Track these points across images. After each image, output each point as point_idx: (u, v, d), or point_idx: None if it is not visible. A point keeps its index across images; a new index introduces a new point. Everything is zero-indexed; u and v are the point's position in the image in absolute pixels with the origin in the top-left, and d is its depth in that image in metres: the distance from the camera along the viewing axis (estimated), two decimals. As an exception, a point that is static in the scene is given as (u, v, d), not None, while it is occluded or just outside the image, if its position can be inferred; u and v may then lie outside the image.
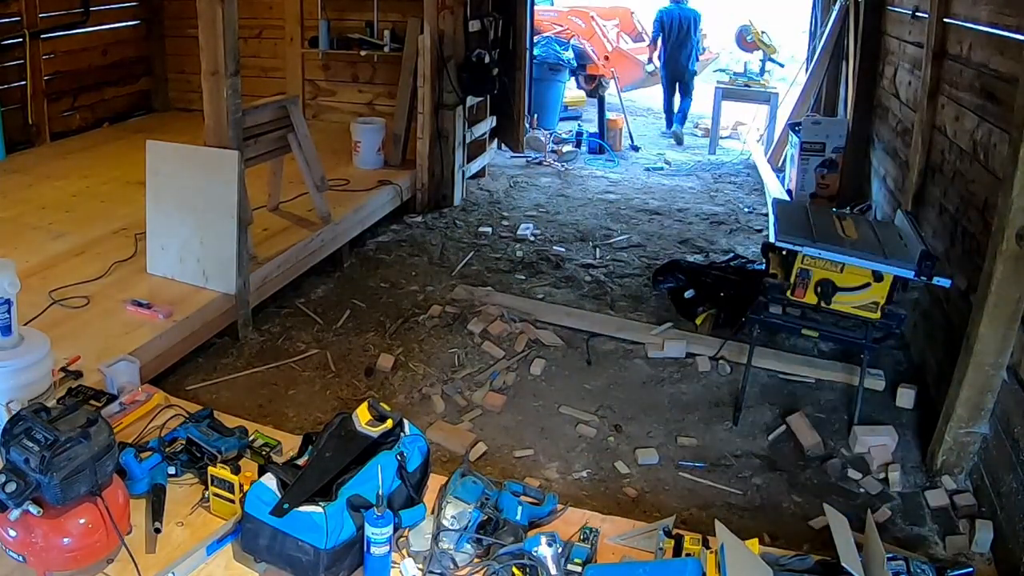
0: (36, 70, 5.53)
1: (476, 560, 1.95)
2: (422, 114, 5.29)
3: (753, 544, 1.95)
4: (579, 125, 8.23)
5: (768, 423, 3.19)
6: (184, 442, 2.24)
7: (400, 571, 1.88)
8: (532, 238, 5.08)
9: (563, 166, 6.86)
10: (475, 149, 6.02)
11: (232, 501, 2.00)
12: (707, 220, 5.60)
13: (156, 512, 2.00)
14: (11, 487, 1.66)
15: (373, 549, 1.82)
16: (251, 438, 2.33)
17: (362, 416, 2.12)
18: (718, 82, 7.96)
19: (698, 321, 3.93)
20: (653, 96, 10.10)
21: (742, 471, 2.90)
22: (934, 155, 3.80)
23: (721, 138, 7.99)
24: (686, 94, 8.27)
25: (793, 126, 6.33)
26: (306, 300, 4.06)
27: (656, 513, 2.61)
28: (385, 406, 2.18)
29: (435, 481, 2.19)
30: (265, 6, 6.39)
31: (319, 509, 1.85)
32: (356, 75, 6.27)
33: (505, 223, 5.33)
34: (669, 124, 8.39)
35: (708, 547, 1.97)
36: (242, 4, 3.40)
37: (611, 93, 8.35)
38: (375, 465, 1.97)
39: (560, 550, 1.93)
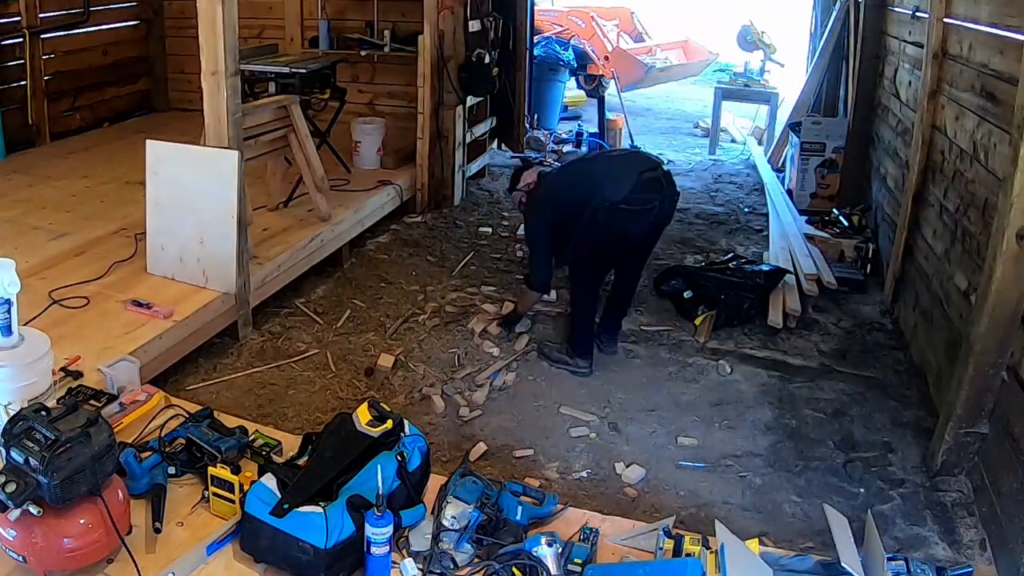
0: (36, 70, 5.53)
1: (476, 560, 1.95)
2: (422, 114, 5.29)
3: (753, 544, 1.96)
4: (579, 125, 8.22)
5: (768, 423, 3.19)
6: (184, 442, 2.25)
7: (400, 571, 1.88)
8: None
9: (563, 166, 6.85)
10: (475, 149, 6.02)
11: (232, 501, 2.00)
12: (707, 220, 5.59)
13: (156, 512, 2.00)
14: (11, 487, 1.66)
15: (373, 549, 1.82)
16: (251, 438, 2.33)
17: (362, 416, 2.12)
18: (718, 82, 7.96)
19: (697, 322, 3.93)
20: (653, 96, 10.12)
21: (742, 471, 2.90)
22: (934, 155, 3.80)
23: (721, 138, 7.99)
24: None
25: (793, 126, 6.33)
26: (306, 300, 4.06)
27: (656, 513, 2.61)
28: (385, 406, 2.18)
29: (435, 481, 2.19)
30: (265, 6, 6.39)
31: (319, 509, 1.85)
32: (356, 75, 6.27)
33: (505, 223, 5.33)
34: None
35: (708, 547, 1.97)
36: (242, 4, 3.40)
37: (611, 93, 8.34)
38: (375, 465, 1.97)
39: (560, 550, 1.93)
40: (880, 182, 5.04)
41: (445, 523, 1.96)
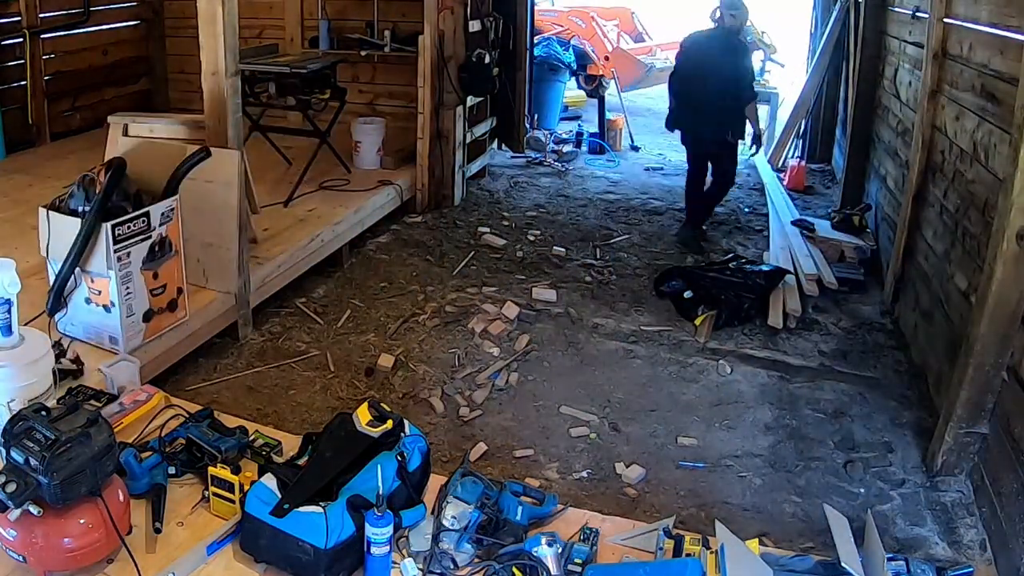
0: (36, 70, 5.52)
1: (476, 560, 1.95)
2: (422, 114, 5.29)
3: (753, 544, 1.96)
4: (579, 125, 8.22)
5: (768, 423, 3.19)
6: (184, 442, 2.25)
7: (400, 571, 1.88)
8: (532, 238, 5.08)
9: (563, 166, 6.86)
10: (475, 149, 6.02)
11: (232, 501, 2.00)
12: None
13: (156, 512, 2.00)
14: (11, 487, 1.66)
15: (373, 549, 1.82)
16: (251, 438, 2.33)
17: (362, 416, 2.12)
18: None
19: (697, 322, 3.93)
20: (653, 96, 10.10)
21: (742, 471, 2.90)
22: (934, 155, 3.80)
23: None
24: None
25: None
26: (306, 300, 4.06)
27: (656, 513, 2.62)
28: (385, 406, 2.18)
29: (435, 481, 2.19)
30: (265, 6, 6.39)
31: (319, 509, 1.85)
32: (356, 75, 6.27)
33: (505, 223, 5.33)
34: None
35: (708, 547, 1.97)
36: (242, 4, 3.40)
37: (611, 93, 8.34)
38: (375, 465, 1.97)
39: (560, 550, 1.93)
40: (880, 182, 5.04)
41: (445, 523, 1.96)
